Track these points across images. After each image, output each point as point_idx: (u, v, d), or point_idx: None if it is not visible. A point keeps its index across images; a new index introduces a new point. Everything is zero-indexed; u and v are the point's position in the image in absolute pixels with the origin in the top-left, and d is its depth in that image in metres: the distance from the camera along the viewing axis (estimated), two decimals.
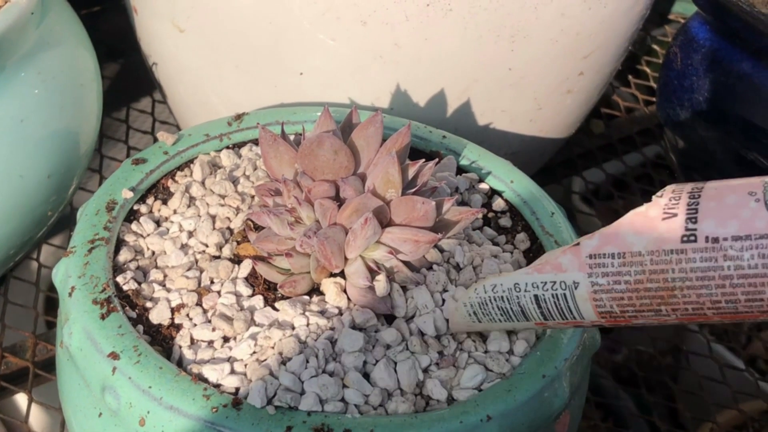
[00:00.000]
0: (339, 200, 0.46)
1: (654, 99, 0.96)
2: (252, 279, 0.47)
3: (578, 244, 0.40)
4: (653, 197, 0.40)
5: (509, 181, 0.55)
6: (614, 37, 0.65)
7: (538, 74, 0.63)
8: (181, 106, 0.72)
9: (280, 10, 0.59)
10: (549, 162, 0.80)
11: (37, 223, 0.59)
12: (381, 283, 0.46)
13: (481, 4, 0.57)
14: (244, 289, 0.47)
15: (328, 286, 0.46)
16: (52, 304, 0.88)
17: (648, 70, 0.99)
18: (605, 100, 0.94)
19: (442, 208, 0.47)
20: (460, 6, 0.57)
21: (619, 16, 0.63)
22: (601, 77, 0.68)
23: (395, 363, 0.44)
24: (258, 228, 0.49)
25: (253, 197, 0.52)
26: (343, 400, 0.42)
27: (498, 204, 0.54)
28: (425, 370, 0.44)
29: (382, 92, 0.62)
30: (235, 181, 0.53)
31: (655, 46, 1.03)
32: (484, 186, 0.55)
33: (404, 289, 0.47)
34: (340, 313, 0.45)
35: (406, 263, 0.47)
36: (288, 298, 0.46)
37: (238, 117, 0.56)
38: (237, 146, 0.56)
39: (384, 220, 0.46)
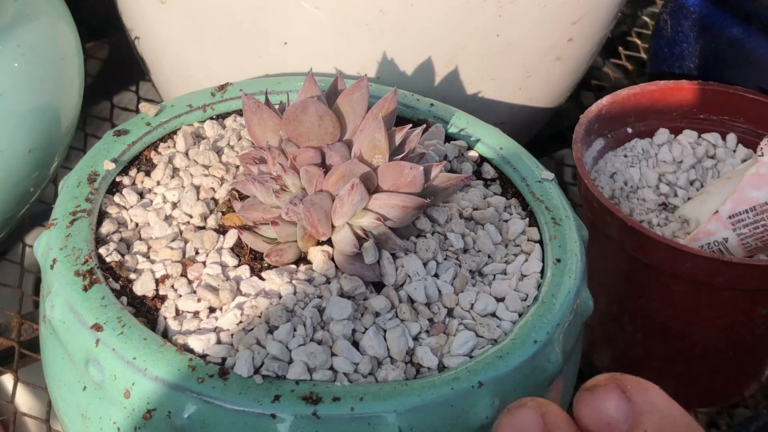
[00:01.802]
0: (325, 167, 0.45)
1: (645, 70, 0.95)
2: (238, 249, 0.46)
3: (717, 212, 0.58)
4: (757, 157, 0.58)
5: (498, 148, 0.54)
6: (604, 2, 0.64)
7: (526, 40, 0.62)
8: (164, 80, 0.71)
9: None
10: (539, 134, 0.79)
11: (19, 199, 0.58)
12: (369, 250, 0.45)
13: None
14: (230, 260, 0.46)
15: (316, 254, 0.45)
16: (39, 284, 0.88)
17: (639, 41, 0.98)
18: (595, 73, 0.93)
19: (431, 174, 0.46)
20: None
21: None
22: (591, 44, 0.67)
23: (384, 331, 0.43)
24: (243, 197, 0.48)
25: (237, 167, 0.51)
26: (332, 368, 0.41)
27: (488, 171, 0.53)
28: (415, 338, 0.43)
29: (368, 61, 0.61)
30: (219, 152, 0.52)
31: (645, 18, 1.02)
32: (473, 153, 0.54)
33: (394, 256, 0.46)
34: (328, 282, 0.44)
35: (394, 230, 0.46)
36: (275, 267, 0.45)
37: (222, 87, 0.55)
38: (221, 117, 0.55)
39: (371, 187, 0.45)
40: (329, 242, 0.46)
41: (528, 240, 0.49)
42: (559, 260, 0.47)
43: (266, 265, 0.46)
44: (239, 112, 0.55)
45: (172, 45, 0.66)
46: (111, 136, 0.51)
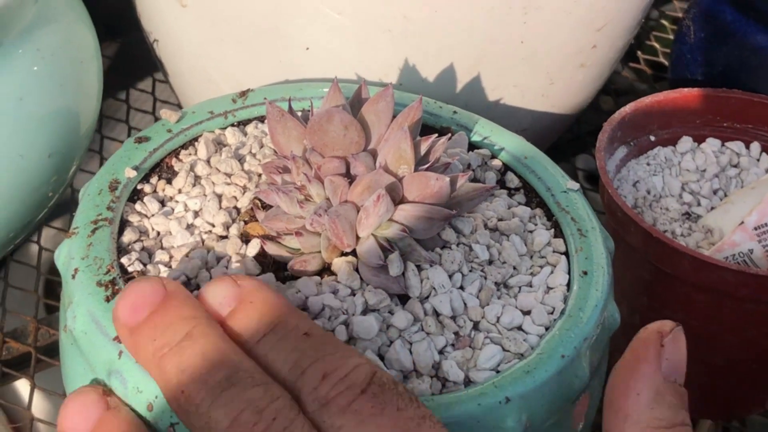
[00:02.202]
0: (350, 177, 0.45)
1: (664, 75, 0.94)
2: (261, 258, 0.46)
3: (742, 223, 0.57)
4: None
5: (523, 157, 0.53)
6: (629, 9, 0.63)
7: (550, 47, 0.61)
8: (183, 84, 0.70)
9: None
10: (558, 140, 0.78)
11: (37, 204, 0.58)
12: (394, 262, 0.44)
13: None
14: (254, 269, 0.45)
15: (340, 265, 0.45)
16: (52, 287, 0.87)
17: (657, 45, 0.98)
18: (614, 77, 0.93)
19: (456, 185, 0.46)
20: None
21: None
22: (615, 50, 0.67)
23: (410, 344, 0.42)
24: (266, 206, 0.48)
25: (259, 175, 0.50)
26: None
27: (512, 180, 0.53)
28: (441, 351, 0.43)
29: (390, 67, 0.60)
30: (241, 159, 0.51)
31: (663, 21, 1.01)
32: (496, 162, 0.53)
33: (419, 268, 0.45)
34: (353, 294, 0.44)
35: (419, 241, 0.45)
36: (298, 277, 0.45)
37: (243, 94, 0.55)
38: (242, 124, 0.54)
39: (396, 197, 0.44)
40: (353, 253, 0.45)
41: (553, 251, 0.49)
42: (585, 273, 0.47)
43: (289, 275, 0.45)
44: (260, 119, 0.54)
45: (191, 48, 0.65)
46: (132, 142, 0.51)
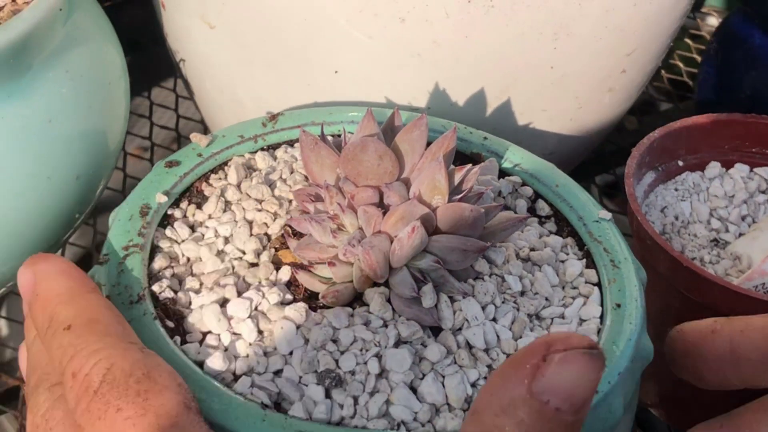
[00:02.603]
0: (383, 207, 0.45)
1: (688, 94, 0.94)
2: (292, 286, 0.46)
3: None
4: None
5: (554, 185, 0.53)
6: (658, 34, 0.63)
7: (580, 72, 0.61)
8: (209, 103, 0.70)
9: (315, 7, 0.57)
10: (580, 162, 0.78)
11: (64, 225, 0.57)
12: (428, 294, 0.44)
13: (524, 1, 0.55)
14: (285, 295, 0.45)
15: (373, 296, 0.44)
16: None
17: (681, 64, 0.97)
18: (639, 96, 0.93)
19: (490, 216, 0.46)
20: (502, 3, 0.55)
21: (664, 12, 0.61)
22: (643, 75, 0.66)
23: (443, 377, 0.42)
24: (297, 234, 0.48)
25: (290, 202, 0.50)
26: (386, 415, 0.40)
27: (542, 208, 0.52)
28: (473, 384, 0.42)
29: (419, 91, 0.60)
30: (271, 185, 0.51)
31: (687, 40, 1.01)
32: (527, 189, 0.53)
33: (451, 299, 0.45)
34: (385, 325, 0.44)
35: (452, 272, 0.45)
36: (330, 306, 0.44)
37: (273, 118, 0.55)
38: (272, 148, 0.54)
39: (430, 228, 0.44)
40: (386, 283, 0.45)
41: (586, 282, 0.48)
42: (618, 305, 0.46)
43: (321, 303, 0.45)
44: (290, 143, 0.54)
45: (219, 69, 0.65)
46: (162, 167, 0.51)
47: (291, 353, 0.42)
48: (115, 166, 0.62)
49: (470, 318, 0.44)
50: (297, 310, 0.43)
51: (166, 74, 0.94)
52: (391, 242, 0.44)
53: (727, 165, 0.67)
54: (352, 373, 0.41)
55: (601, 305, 0.47)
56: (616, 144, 0.87)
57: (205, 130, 0.84)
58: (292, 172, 0.52)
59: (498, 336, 0.44)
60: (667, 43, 0.66)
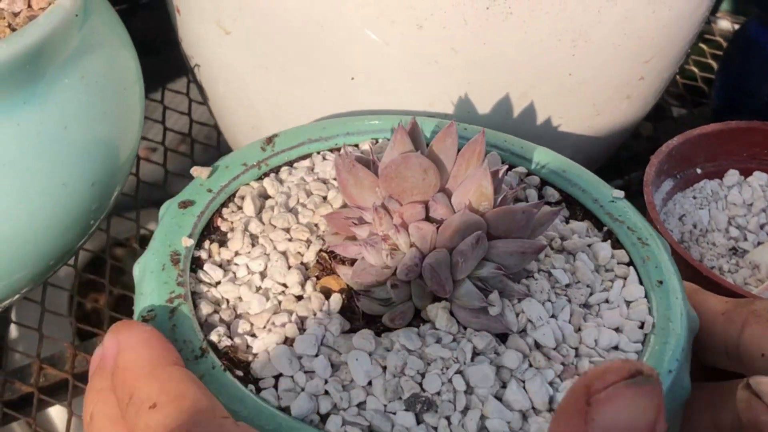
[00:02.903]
0: (430, 220, 0.44)
1: (703, 100, 0.94)
2: (347, 313, 0.45)
3: None
4: None
5: (561, 171, 0.53)
6: (677, 41, 0.62)
7: (598, 79, 0.61)
8: (223, 108, 0.70)
9: (332, 13, 0.57)
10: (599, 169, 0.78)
11: (79, 232, 0.57)
12: (496, 302, 0.44)
13: (542, 8, 0.55)
14: (343, 324, 0.44)
15: (437, 312, 0.44)
16: (84, 311, 0.87)
17: (696, 69, 0.97)
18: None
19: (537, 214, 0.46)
20: (520, 9, 0.55)
21: (682, 19, 0.61)
22: (661, 81, 0.66)
23: (523, 381, 0.42)
24: (337, 257, 0.47)
25: (316, 225, 0.49)
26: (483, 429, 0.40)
27: (552, 195, 0.53)
28: (550, 383, 0.42)
29: (436, 97, 0.59)
30: (292, 211, 0.50)
31: (702, 45, 1.00)
32: (533, 178, 0.53)
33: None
34: (455, 340, 0.43)
35: (508, 276, 0.45)
36: (392, 329, 0.44)
37: (270, 141, 0.54)
38: (273, 171, 0.53)
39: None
40: (444, 297, 0.45)
41: (618, 263, 0.49)
42: (661, 282, 0.46)
43: (381, 327, 0.44)
44: (290, 164, 0.53)
45: (234, 75, 0.65)
46: (176, 208, 0.49)
47: (370, 383, 0.41)
48: (129, 171, 0.62)
49: (534, 318, 0.44)
50: (365, 338, 0.43)
51: (179, 78, 0.94)
52: (450, 255, 0.43)
53: (746, 173, 0.66)
54: (439, 393, 0.41)
55: (641, 284, 0.47)
56: (630, 150, 0.86)
57: (218, 135, 0.84)
58: (309, 195, 0.51)
59: (562, 331, 0.44)
60: (685, 50, 0.66)
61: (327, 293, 0.45)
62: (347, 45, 0.58)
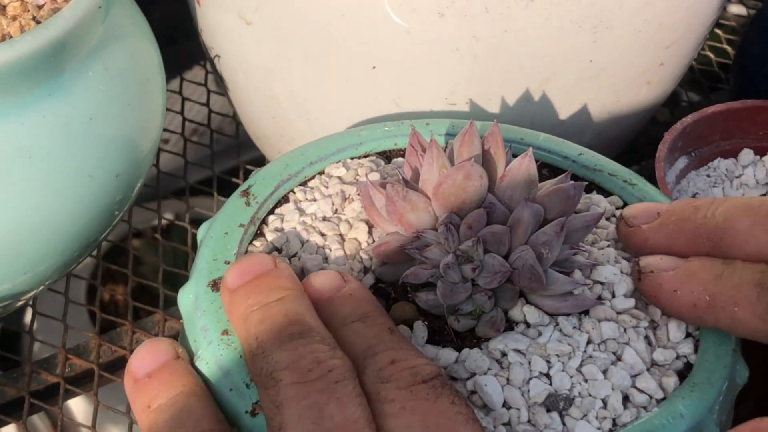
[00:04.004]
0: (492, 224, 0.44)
1: (719, 85, 0.94)
2: (435, 337, 0.44)
3: None
4: None
5: (519, 139, 0.54)
6: (697, 26, 0.63)
7: (619, 66, 0.61)
8: (244, 100, 0.70)
9: (354, 2, 0.57)
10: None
11: (103, 223, 0.57)
12: (580, 281, 0.45)
13: None
14: (444, 354, 0.43)
15: (522, 309, 0.44)
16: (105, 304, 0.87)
17: (711, 55, 0.97)
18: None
19: None
20: None
21: (702, 4, 0.61)
22: (680, 67, 0.66)
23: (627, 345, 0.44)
24: (409, 285, 0.46)
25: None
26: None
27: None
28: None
29: (457, 85, 0.60)
30: (325, 249, 0.48)
31: (717, 31, 1.00)
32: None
33: None
34: (562, 332, 0.44)
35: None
36: (487, 339, 0.44)
37: (246, 193, 0.50)
38: (263, 223, 0.49)
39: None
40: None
41: (617, 208, 0.51)
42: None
43: (473, 341, 0.44)
44: (271, 212, 0.50)
45: (255, 65, 0.65)
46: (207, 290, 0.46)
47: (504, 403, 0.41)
48: (152, 163, 0.62)
49: (609, 280, 0.46)
50: (477, 360, 0.42)
51: (198, 69, 0.94)
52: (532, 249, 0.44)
53: (761, 152, 0.66)
54: (571, 387, 0.42)
55: None
56: (648, 135, 0.86)
57: (237, 126, 0.84)
58: (324, 236, 0.48)
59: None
60: (705, 35, 0.66)
61: (408, 323, 0.45)
62: (369, 34, 0.58)
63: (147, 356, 0.41)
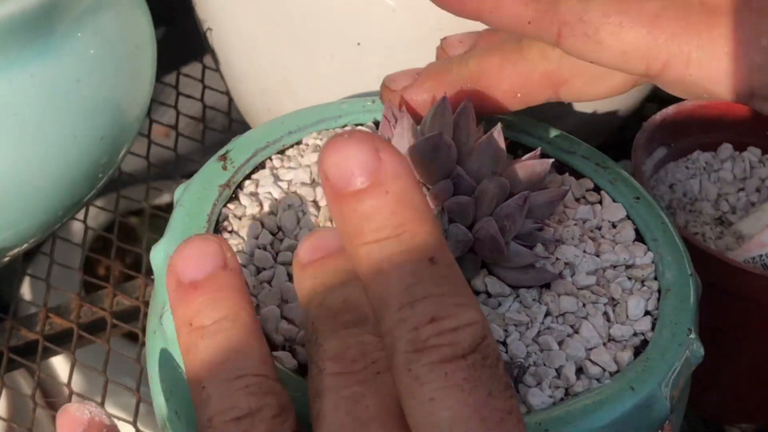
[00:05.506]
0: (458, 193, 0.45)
1: None
2: None
3: None
4: None
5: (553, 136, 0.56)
6: None
7: None
8: (234, 73, 0.71)
9: None
10: (601, 147, 0.78)
11: (87, 185, 0.59)
12: (541, 253, 0.46)
13: None
14: None
15: (484, 280, 0.45)
16: (91, 265, 0.88)
17: None
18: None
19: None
20: None
21: None
22: None
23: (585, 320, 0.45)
24: None
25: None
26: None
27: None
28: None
29: None
30: (298, 213, 0.49)
31: None
32: None
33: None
34: (522, 304, 0.45)
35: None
36: None
37: (224, 157, 0.51)
38: (238, 187, 0.50)
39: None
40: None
41: (587, 190, 0.52)
42: (638, 198, 0.51)
43: None
44: (248, 177, 0.51)
45: (245, 39, 0.66)
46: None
47: None
48: (139, 129, 0.63)
49: (571, 258, 0.47)
50: None
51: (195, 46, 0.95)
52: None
53: (740, 147, 0.67)
54: (527, 356, 0.43)
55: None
56: (635, 131, 0.87)
57: (230, 102, 0.85)
58: (302, 202, 0.49)
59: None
60: None
61: None
62: (354, 10, 0.59)
63: (193, 259, 0.38)
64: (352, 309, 0.37)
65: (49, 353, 0.66)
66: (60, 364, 0.86)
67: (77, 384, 0.64)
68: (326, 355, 0.36)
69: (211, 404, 0.36)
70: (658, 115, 0.64)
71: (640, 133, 0.62)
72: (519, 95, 0.48)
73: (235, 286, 0.38)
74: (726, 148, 0.67)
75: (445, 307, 0.33)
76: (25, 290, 0.68)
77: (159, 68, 0.66)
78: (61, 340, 0.65)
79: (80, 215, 0.73)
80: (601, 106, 0.67)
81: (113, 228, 0.73)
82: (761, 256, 0.58)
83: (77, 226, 0.80)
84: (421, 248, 0.33)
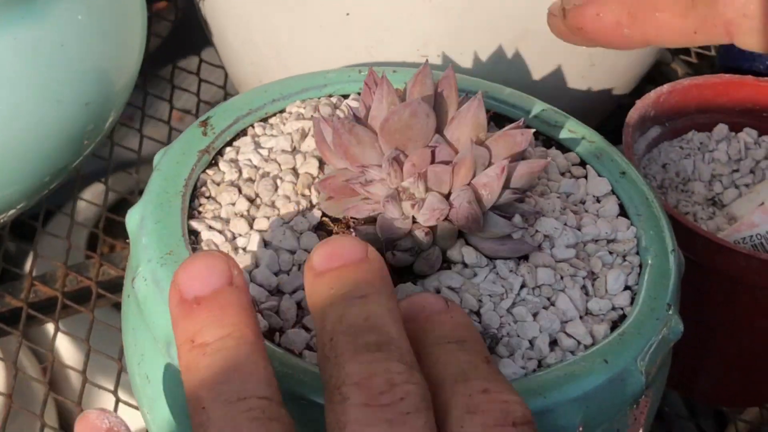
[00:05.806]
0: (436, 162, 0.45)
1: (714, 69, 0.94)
2: None
3: (763, 204, 0.58)
4: None
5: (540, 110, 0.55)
6: None
7: None
8: (226, 45, 0.71)
9: None
10: (601, 128, 0.78)
11: (73, 151, 0.58)
12: (519, 225, 0.45)
13: None
14: None
15: (461, 250, 0.45)
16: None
17: None
18: (664, 69, 0.92)
19: None
20: None
21: None
22: None
23: (562, 292, 0.45)
24: (337, 222, 0.47)
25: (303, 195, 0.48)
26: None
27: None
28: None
29: (430, 38, 0.60)
30: (276, 180, 0.48)
31: None
32: None
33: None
34: (498, 275, 0.45)
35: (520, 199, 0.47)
36: (423, 276, 0.45)
37: (205, 123, 0.50)
38: (218, 154, 0.49)
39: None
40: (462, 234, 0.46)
41: (573, 165, 0.51)
42: (623, 173, 0.51)
43: (410, 277, 0.45)
44: (229, 144, 0.50)
45: (235, 9, 0.66)
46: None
47: None
48: (127, 99, 0.63)
49: (551, 230, 0.46)
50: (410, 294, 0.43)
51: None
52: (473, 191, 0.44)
53: (736, 128, 0.66)
54: (500, 327, 0.42)
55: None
56: None
57: (225, 74, 0.85)
58: (281, 169, 0.49)
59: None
60: None
61: None
62: None
63: (198, 274, 0.37)
64: (375, 330, 0.35)
65: (31, 321, 0.65)
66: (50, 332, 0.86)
67: (64, 352, 0.64)
68: (350, 380, 0.34)
69: (211, 428, 0.34)
70: (653, 93, 0.63)
71: (633, 111, 0.62)
72: (696, 33, 0.44)
73: (240, 303, 0.37)
74: (721, 129, 0.66)
75: (497, 385, 0.35)
76: (14, 257, 0.67)
77: (160, 44, 0.65)
78: (44, 308, 0.65)
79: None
80: (596, 85, 0.67)
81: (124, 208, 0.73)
82: (752, 236, 0.57)
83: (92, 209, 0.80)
84: (478, 352, 0.37)
